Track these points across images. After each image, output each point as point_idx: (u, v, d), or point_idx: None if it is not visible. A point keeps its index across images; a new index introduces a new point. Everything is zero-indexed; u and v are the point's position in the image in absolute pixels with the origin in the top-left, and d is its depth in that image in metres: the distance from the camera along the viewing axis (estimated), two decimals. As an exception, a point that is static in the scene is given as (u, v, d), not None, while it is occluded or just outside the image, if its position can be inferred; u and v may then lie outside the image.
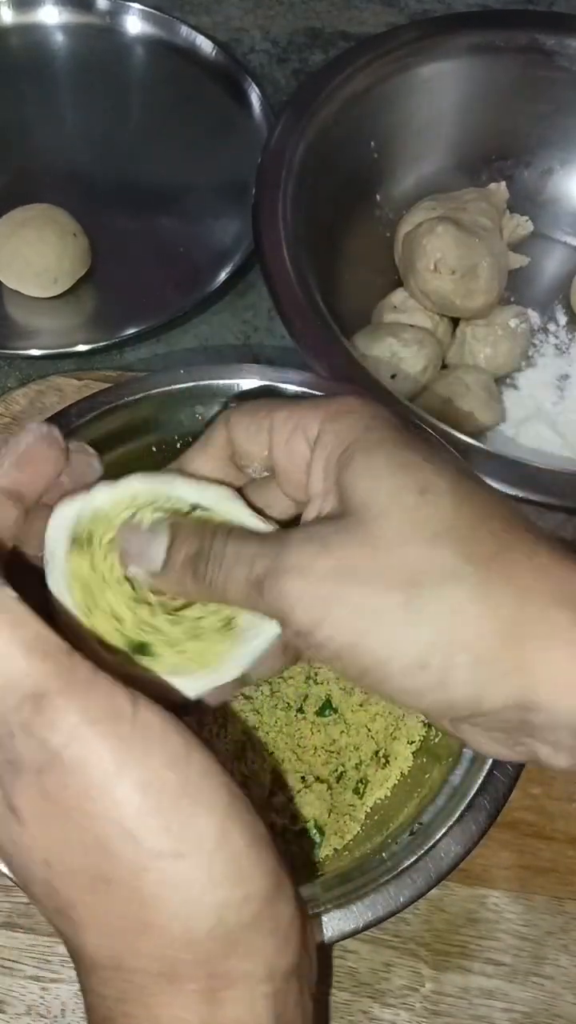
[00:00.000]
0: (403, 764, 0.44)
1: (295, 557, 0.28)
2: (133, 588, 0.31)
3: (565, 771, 0.28)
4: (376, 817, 0.43)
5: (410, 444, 0.30)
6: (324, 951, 0.43)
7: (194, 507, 0.33)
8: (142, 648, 0.31)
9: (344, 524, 0.28)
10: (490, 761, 0.39)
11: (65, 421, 0.43)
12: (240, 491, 0.34)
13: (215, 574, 0.30)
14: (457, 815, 0.38)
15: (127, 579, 0.31)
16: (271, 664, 0.33)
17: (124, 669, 0.30)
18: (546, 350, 0.66)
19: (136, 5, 0.76)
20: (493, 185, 0.67)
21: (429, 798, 0.40)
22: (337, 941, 0.37)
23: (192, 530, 0.31)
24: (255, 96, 0.73)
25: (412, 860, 0.38)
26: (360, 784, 0.44)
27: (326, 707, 0.45)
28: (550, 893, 0.46)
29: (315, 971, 0.30)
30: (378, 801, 0.44)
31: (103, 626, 0.31)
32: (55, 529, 0.32)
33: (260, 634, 0.32)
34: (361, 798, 0.44)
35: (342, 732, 0.45)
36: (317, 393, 0.45)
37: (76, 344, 0.61)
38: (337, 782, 0.44)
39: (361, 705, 0.45)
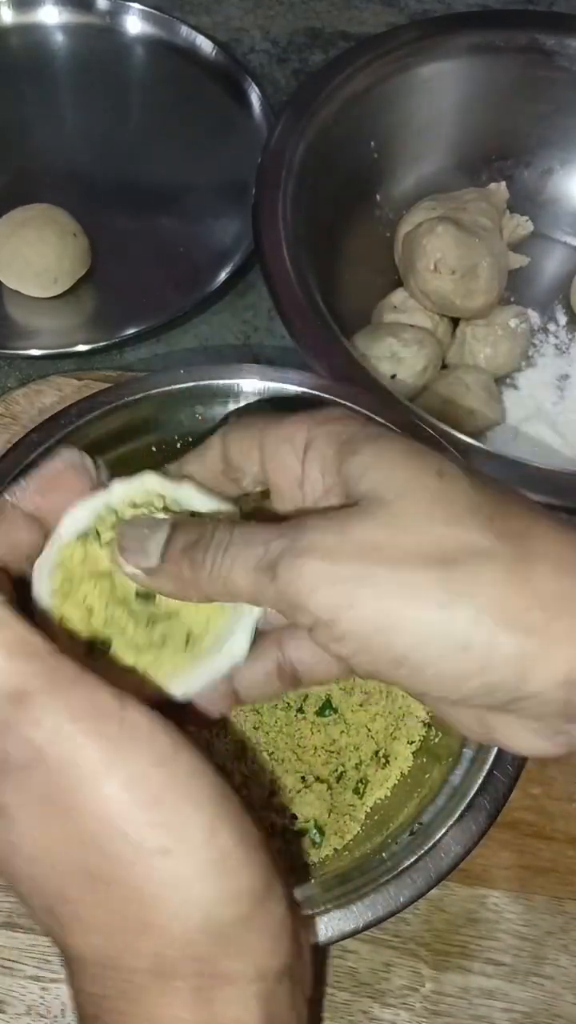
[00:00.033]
0: (403, 764, 0.44)
1: (316, 536, 0.27)
2: (113, 587, 0.31)
3: None
4: (376, 817, 0.43)
5: (410, 438, 0.30)
6: (323, 951, 0.43)
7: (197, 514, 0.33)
8: (103, 643, 0.31)
9: (362, 507, 0.27)
10: (490, 761, 0.39)
11: (65, 421, 0.43)
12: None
13: (218, 560, 0.28)
14: (457, 815, 0.38)
15: (110, 576, 0.31)
16: (266, 689, 0.33)
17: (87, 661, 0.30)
18: (546, 350, 0.66)
19: (136, 5, 0.76)
20: (493, 185, 0.67)
21: (429, 798, 0.40)
22: (337, 941, 0.37)
23: (193, 522, 0.30)
24: (255, 96, 0.73)
25: (412, 860, 0.38)
26: (360, 784, 0.44)
27: (326, 707, 0.45)
28: (550, 893, 0.45)
29: (310, 974, 0.30)
30: (378, 801, 0.44)
31: (72, 613, 0.31)
32: (66, 521, 0.31)
33: (218, 660, 0.31)
34: (361, 798, 0.44)
35: (342, 732, 0.45)
36: (317, 393, 0.45)
37: (76, 344, 0.61)
38: (337, 782, 0.44)
39: (361, 705, 0.45)
